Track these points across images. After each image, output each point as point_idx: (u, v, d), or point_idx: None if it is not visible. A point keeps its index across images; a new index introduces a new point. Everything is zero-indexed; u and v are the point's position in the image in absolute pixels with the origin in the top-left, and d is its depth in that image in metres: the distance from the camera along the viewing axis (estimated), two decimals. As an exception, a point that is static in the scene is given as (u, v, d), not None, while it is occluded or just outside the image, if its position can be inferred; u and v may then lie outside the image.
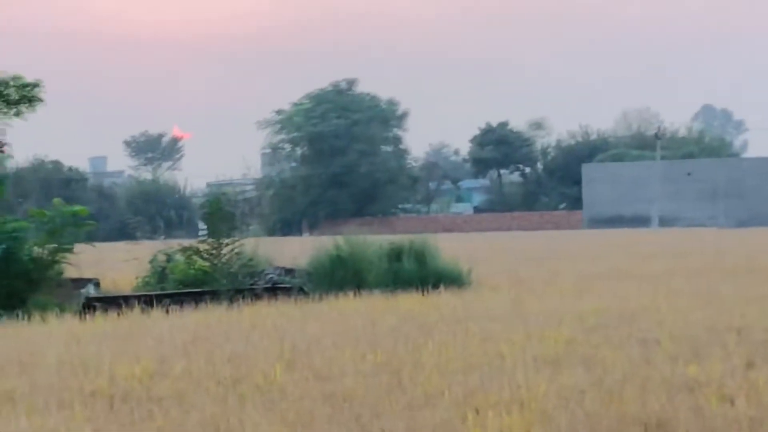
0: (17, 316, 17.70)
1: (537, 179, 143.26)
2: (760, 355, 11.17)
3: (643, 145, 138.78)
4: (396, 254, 22.78)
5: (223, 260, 22.21)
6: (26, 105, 28.60)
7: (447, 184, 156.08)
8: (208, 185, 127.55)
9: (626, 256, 36.73)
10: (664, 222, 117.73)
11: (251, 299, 19.91)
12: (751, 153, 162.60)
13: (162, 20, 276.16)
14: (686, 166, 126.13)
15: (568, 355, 11.48)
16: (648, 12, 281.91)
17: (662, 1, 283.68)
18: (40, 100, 28.77)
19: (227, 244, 22.42)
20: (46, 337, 14.69)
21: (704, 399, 8.67)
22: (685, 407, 8.28)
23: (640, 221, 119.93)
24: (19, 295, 19.54)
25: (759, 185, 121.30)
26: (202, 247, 22.73)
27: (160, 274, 23.21)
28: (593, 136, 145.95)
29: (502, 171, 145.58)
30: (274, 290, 21.17)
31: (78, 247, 21.45)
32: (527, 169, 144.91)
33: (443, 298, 19.17)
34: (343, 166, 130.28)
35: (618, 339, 12.77)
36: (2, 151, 28.34)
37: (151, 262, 23.73)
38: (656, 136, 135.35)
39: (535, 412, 8.24)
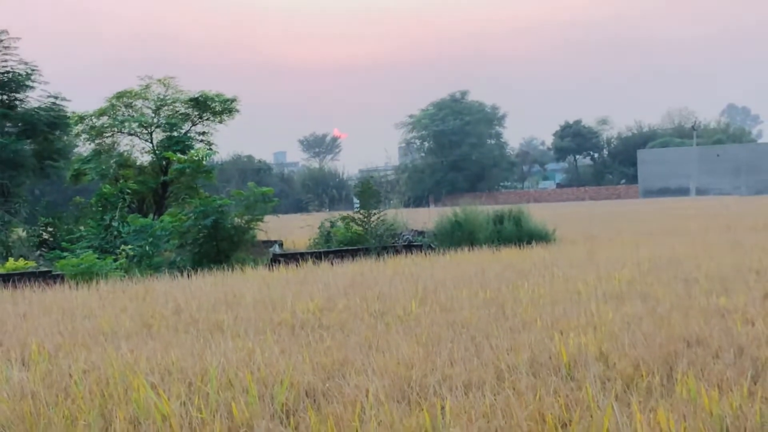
0: (224, 268, 17.93)
1: (603, 162, 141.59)
2: (774, 290, 10.96)
3: (683, 134, 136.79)
4: (499, 219, 22.72)
5: (372, 225, 22.32)
6: (227, 115, 28.99)
7: (536, 167, 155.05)
8: (360, 171, 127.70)
9: (671, 218, 36.21)
10: (700, 192, 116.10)
11: (393, 254, 20.01)
12: (765, 139, 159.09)
13: (326, 49, 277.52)
14: (716, 150, 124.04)
15: (628, 291, 11.36)
16: (686, 34, 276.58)
17: (699, 21, 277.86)
18: (237, 110, 29.13)
19: (374, 214, 22.55)
20: (244, 283, 14.88)
21: (732, 322, 8.54)
22: (717, 328, 8.15)
23: (681, 192, 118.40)
24: (224, 253, 19.81)
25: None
26: (356, 216, 22.89)
27: (326, 237, 23.39)
28: (645, 129, 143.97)
29: (577, 156, 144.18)
30: (409, 247, 21.23)
31: (267, 217, 21.70)
32: (596, 155, 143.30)
33: (535, 251, 19.07)
34: (458, 156, 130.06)
35: (666, 279, 12.61)
36: (211, 149, 28.75)
37: (319, 227, 23.93)
38: (693, 128, 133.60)
39: (604, 333, 8.17)
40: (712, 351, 7.23)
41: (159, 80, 28.54)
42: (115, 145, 28.62)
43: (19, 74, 26.11)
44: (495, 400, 5.90)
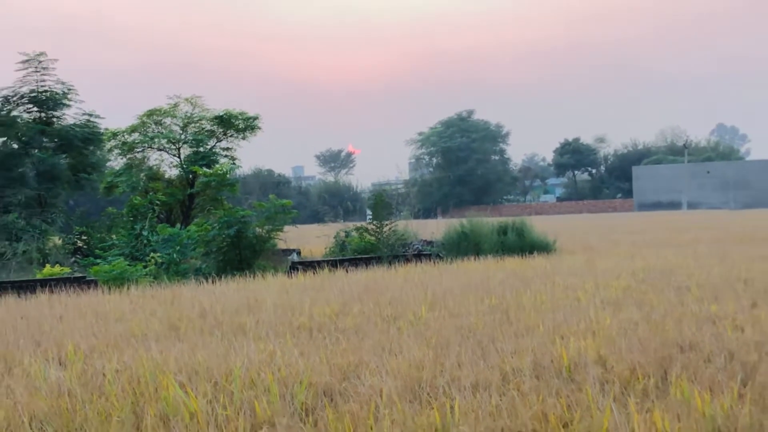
0: (246, 274, 17.95)
1: (600, 177, 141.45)
2: (761, 298, 10.91)
3: (675, 152, 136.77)
4: (503, 230, 22.70)
5: (384, 235, 22.32)
6: (249, 131, 29.03)
7: (537, 182, 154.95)
8: (372, 184, 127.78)
9: (664, 230, 36.12)
10: (691, 206, 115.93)
11: (403, 262, 19.98)
12: (752, 157, 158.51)
13: (342, 71, 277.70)
14: (706, 167, 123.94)
15: (625, 299, 11.33)
16: (680, 58, 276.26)
17: (692, 46, 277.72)
18: (259, 128, 29.18)
19: (386, 225, 22.56)
20: (265, 288, 14.89)
21: (722, 328, 8.51)
22: (709, 334, 8.13)
23: (673, 206, 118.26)
24: (247, 261, 19.83)
25: (758, 179, 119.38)
26: (369, 226, 22.92)
27: (341, 246, 23.41)
28: (639, 147, 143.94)
29: (576, 172, 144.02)
30: (419, 256, 21.22)
31: (286, 227, 21.71)
32: (593, 170, 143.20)
33: (536, 260, 19.03)
34: (464, 171, 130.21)
35: (660, 287, 12.57)
36: (234, 163, 28.80)
37: (335, 237, 23.97)
38: (684, 146, 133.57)
39: (603, 338, 8.15)
40: (704, 355, 7.21)
41: (186, 99, 28.65)
42: (146, 159, 28.70)
43: (56, 93, 26.26)
44: (501, 400, 5.90)
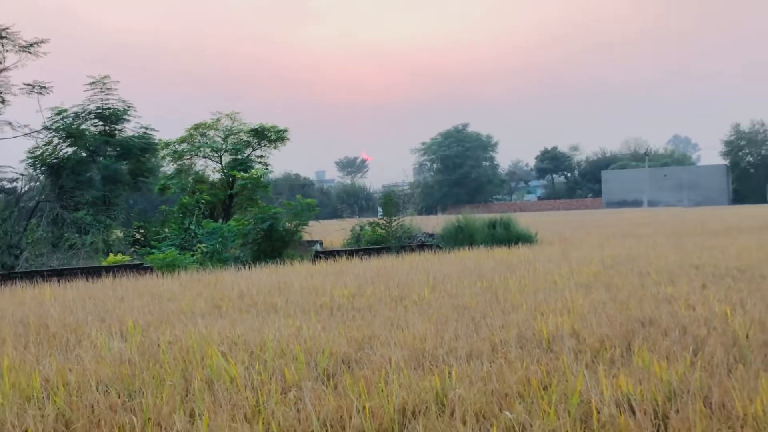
0: (277, 262, 18.00)
1: (574, 180, 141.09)
2: (710, 281, 10.88)
3: (637, 158, 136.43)
4: (492, 224, 22.68)
5: (393, 229, 22.32)
6: (280, 142, 29.04)
7: (521, 183, 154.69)
8: (383, 186, 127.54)
9: (628, 225, 36.03)
10: (651, 204, 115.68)
11: (409, 251, 19.99)
12: (702, 162, 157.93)
13: (356, 88, 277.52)
14: (664, 171, 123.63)
15: (595, 282, 11.31)
16: (641, 74, 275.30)
17: (651, 63, 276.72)
18: (288, 138, 29.20)
19: (395, 220, 22.55)
20: (293, 273, 14.91)
21: (677, 307, 8.49)
22: (665, 312, 8.11)
23: (636, 204, 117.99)
24: (277, 250, 19.88)
25: (707, 181, 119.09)
26: (380, 222, 22.90)
27: (357, 237, 23.42)
28: (607, 154, 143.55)
29: (554, 175, 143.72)
30: (422, 246, 21.21)
31: (310, 222, 21.74)
32: (569, 174, 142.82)
33: (520, 250, 19.01)
34: (460, 175, 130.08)
35: (625, 272, 12.55)
36: (267, 168, 28.82)
37: (351, 230, 23.97)
38: (645, 154, 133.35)
39: (576, 315, 8.15)
40: (661, 330, 7.19)
41: (227, 114, 28.73)
42: (193, 165, 28.77)
43: (118, 110, 26.31)
44: (491, 367, 5.90)
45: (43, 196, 23.23)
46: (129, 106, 26.48)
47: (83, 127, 25.56)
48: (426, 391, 5.26)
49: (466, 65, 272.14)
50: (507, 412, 4.78)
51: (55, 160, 24.38)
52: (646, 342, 6.61)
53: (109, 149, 25.97)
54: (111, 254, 19.06)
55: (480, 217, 23.72)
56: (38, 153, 24.46)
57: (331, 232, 27.67)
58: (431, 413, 4.85)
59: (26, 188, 23.53)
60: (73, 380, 6.11)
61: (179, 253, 18.34)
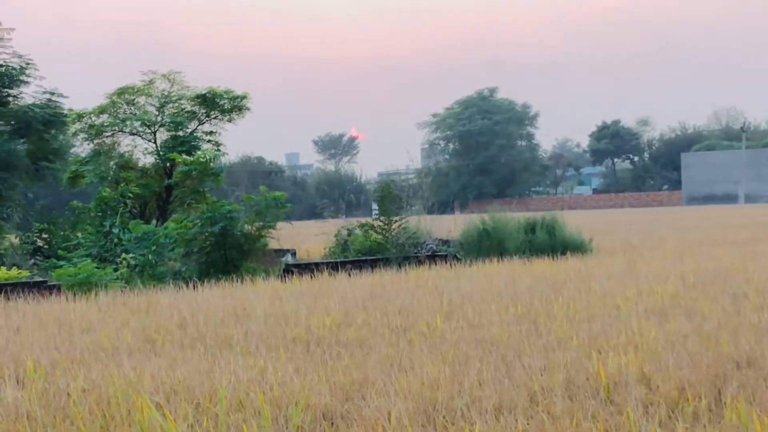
0: (233, 279, 17.97)
1: (644, 166, 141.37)
2: (832, 306, 10.90)
3: (731, 136, 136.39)
4: (531, 227, 22.71)
5: (393, 234, 22.32)
6: (237, 113, 29.06)
7: (570, 171, 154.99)
8: (379, 174, 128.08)
9: (718, 227, 36.08)
10: (749, 199, 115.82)
11: (415, 264, 19.98)
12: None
13: (341, 43, 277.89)
14: (767, 153, 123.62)
15: (672, 307, 11.32)
16: (736, 30, 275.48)
17: (750, 15, 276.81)
18: (248, 108, 29.19)
19: (396, 221, 22.55)
20: (255, 295, 14.89)
21: (786, 342, 8.50)
22: (770, 348, 8.12)
23: (729, 199, 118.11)
24: (233, 263, 19.85)
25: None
26: (376, 223, 22.91)
27: (343, 245, 23.41)
28: (690, 131, 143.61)
29: (616, 159, 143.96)
30: (433, 257, 21.23)
31: (279, 224, 21.70)
32: (636, 158, 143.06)
33: (569, 262, 19.03)
34: (486, 158, 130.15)
35: (713, 293, 12.56)
36: (219, 150, 28.84)
37: (335, 235, 23.97)
38: (742, 129, 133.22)
39: (646, 352, 8.15)
40: (764, 373, 7.20)
41: (163, 75, 28.65)
42: (116, 145, 28.73)
43: (13, 68, 26.21)
44: (528, 424, 5.91)
45: None
46: (28, 63, 26.40)
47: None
48: (439, 458, 5.28)
49: (493, 11, 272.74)
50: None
51: None
52: (743, 390, 6.62)
53: (0, 123, 25.92)
54: (2, 268, 19.04)
55: (513, 216, 23.73)
56: None
57: (308, 237, 27.67)
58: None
59: None
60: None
61: (97, 267, 18.32)
